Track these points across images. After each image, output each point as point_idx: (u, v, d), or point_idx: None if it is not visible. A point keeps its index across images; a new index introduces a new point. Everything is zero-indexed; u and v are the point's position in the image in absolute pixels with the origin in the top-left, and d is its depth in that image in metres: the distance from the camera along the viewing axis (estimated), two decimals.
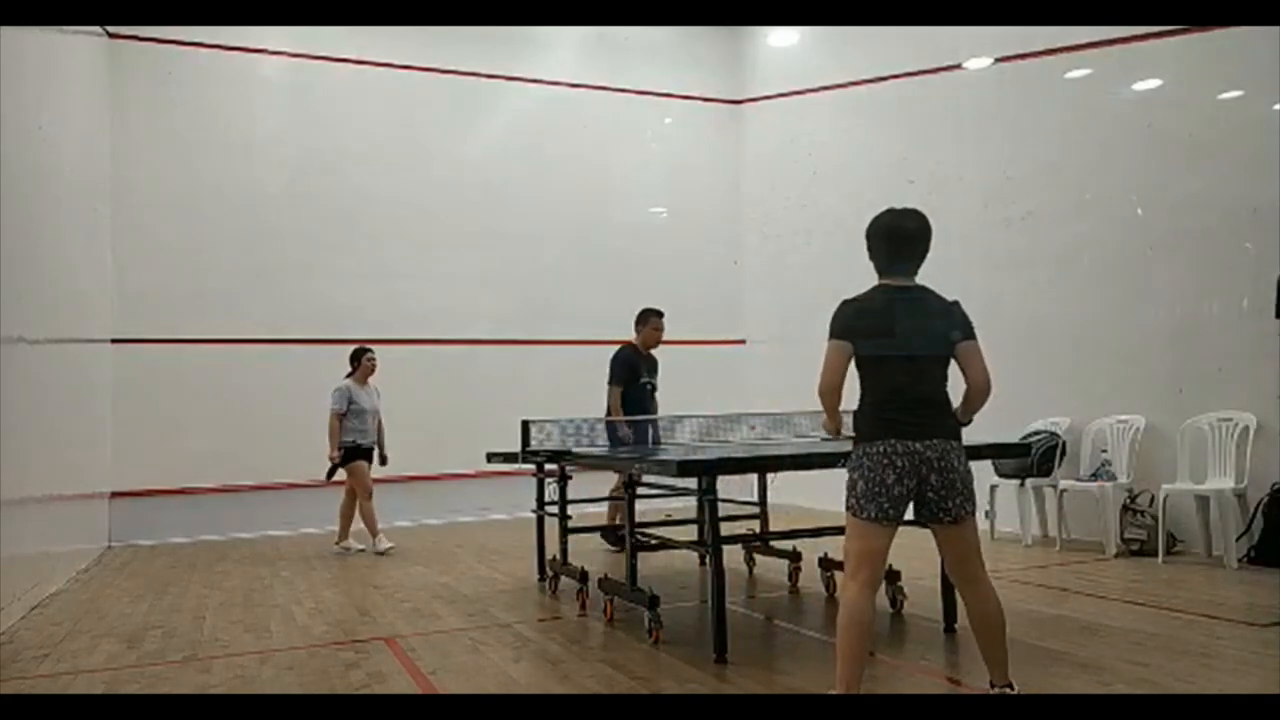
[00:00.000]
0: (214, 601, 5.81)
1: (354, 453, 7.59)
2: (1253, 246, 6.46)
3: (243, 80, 9.23)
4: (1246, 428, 6.27)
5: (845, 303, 3.28)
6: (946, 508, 3.15)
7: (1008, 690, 3.18)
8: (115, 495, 8.39)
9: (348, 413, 7.56)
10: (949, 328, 3.22)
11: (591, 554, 5.73)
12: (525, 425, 6.09)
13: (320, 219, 9.34)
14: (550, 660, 4.25)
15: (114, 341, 8.46)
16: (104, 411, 8.17)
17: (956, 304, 3.28)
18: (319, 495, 9.14)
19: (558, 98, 10.34)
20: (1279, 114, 6.36)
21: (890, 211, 3.35)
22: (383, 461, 7.77)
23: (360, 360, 7.72)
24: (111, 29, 8.61)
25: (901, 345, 3.18)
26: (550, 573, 5.93)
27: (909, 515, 3.23)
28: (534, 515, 6.26)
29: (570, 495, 5.87)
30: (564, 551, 5.79)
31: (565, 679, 3.94)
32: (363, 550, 7.64)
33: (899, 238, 3.29)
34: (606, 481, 7.14)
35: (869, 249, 3.36)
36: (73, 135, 7.32)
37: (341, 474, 7.66)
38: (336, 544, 7.80)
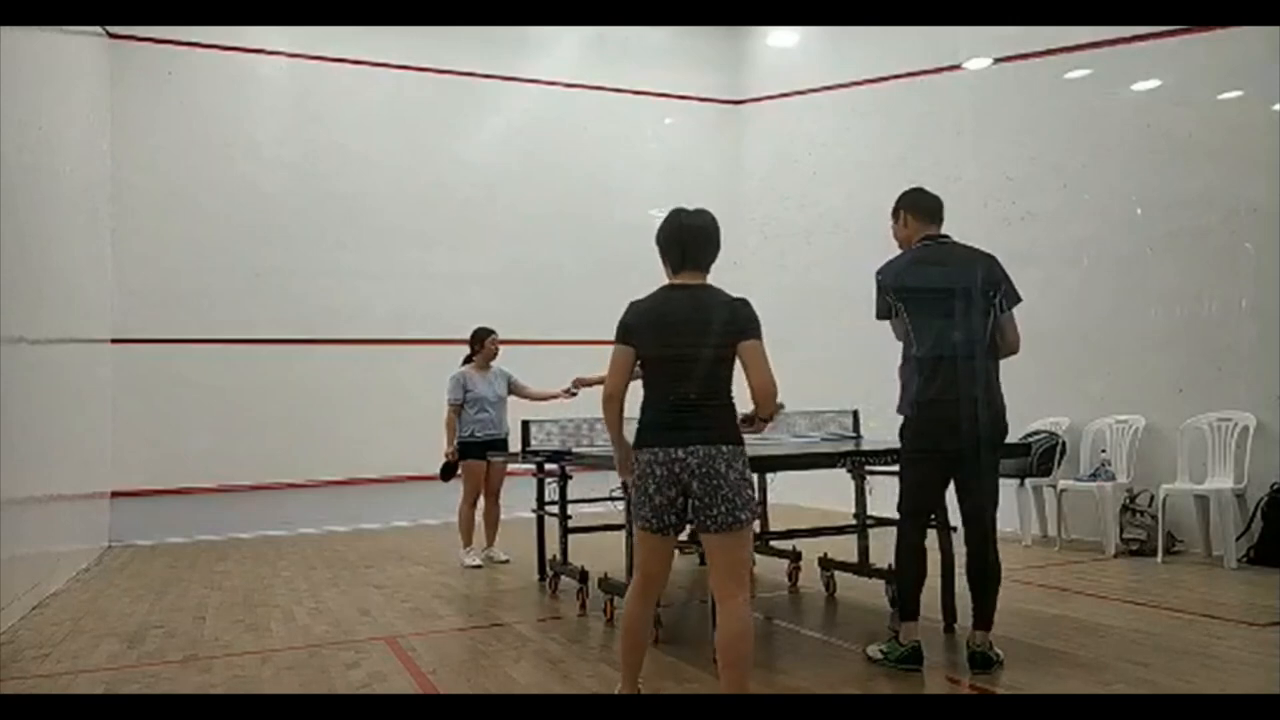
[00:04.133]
0: (214, 601, 5.81)
1: (467, 449, 6.80)
2: (1252, 246, 6.46)
3: (243, 80, 9.23)
4: (1246, 428, 6.27)
5: (630, 304, 3.20)
6: (712, 514, 2.97)
7: None
8: (115, 495, 8.39)
9: (464, 403, 6.80)
10: (727, 326, 3.05)
11: (591, 554, 5.73)
12: (525, 425, 6.09)
13: (320, 218, 9.35)
14: (550, 660, 4.26)
15: (114, 341, 8.46)
16: (104, 411, 8.17)
17: (742, 302, 3.12)
18: (319, 496, 9.16)
19: (557, 98, 10.34)
20: (1279, 114, 6.36)
21: (679, 211, 3.22)
22: (569, 393, 6.70)
23: (482, 343, 6.91)
24: (111, 29, 8.61)
25: (673, 344, 3.06)
26: (550, 573, 5.93)
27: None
28: (534, 515, 6.27)
29: (570, 495, 5.87)
30: (564, 551, 5.80)
31: (565, 679, 3.94)
32: (507, 561, 6.94)
33: (688, 237, 3.17)
34: (607, 481, 7.11)
35: (660, 252, 3.22)
36: (73, 135, 7.31)
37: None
38: (483, 550, 7.02)
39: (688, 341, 3.05)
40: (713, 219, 3.23)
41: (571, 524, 5.88)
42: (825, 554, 5.60)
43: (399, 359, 9.26)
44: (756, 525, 6.35)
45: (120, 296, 8.53)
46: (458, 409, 6.81)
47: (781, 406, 3.21)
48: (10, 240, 5.27)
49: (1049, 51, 7.72)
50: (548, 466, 5.92)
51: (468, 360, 7.00)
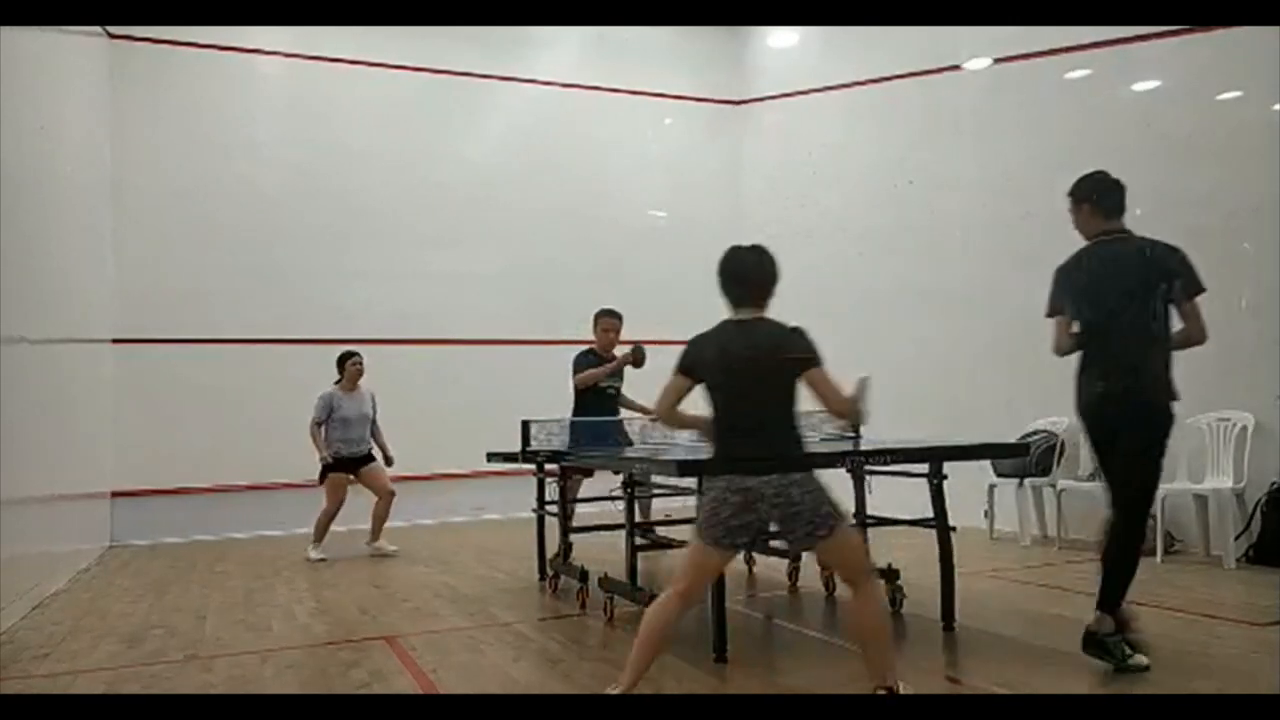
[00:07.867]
0: (215, 601, 5.81)
1: (333, 464, 7.36)
2: (1252, 246, 6.46)
3: (242, 80, 9.23)
4: (1245, 427, 6.27)
5: (693, 339, 3.35)
6: (796, 535, 3.19)
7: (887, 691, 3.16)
8: (115, 495, 8.39)
9: (330, 421, 7.32)
10: (785, 358, 3.17)
11: (591, 553, 5.74)
12: (525, 425, 6.09)
13: (320, 219, 9.35)
14: (550, 660, 4.26)
15: (114, 341, 8.46)
16: (104, 411, 8.17)
17: (798, 333, 3.22)
18: (319, 496, 9.14)
19: (557, 98, 10.34)
20: (1279, 114, 6.36)
21: (734, 249, 3.36)
22: (388, 463, 7.55)
23: (344, 365, 7.46)
24: (111, 29, 8.61)
25: (733, 377, 3.23)
26: (550, 572, 5.93)
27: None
28: (534, 515, 6.27)
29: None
30: (564, 551, 5.80)
31: (565, 679, 3.94)
32: (395, 553, 7.45)
33: (740, 275, 3.31)
34: (606, 481, 7.11)
35: (720, 287, 3.35)
36: (73, 135, 7.32)
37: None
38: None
39: (746, 376, 3.20)
40: (761, 257, 3.34)
41: (571, 524, 5.87)
42: None
43: (399, 359, 9.25)
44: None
45: (120, 296, 8.53)
46: (319, 425, 7.32)
47: (863, 411, 3.29)
48: (10, 240, 5.27)
49: (1049, 51, 7.72)
50: (548, 466, 5.92)
51: (337, 381, 7.49)
